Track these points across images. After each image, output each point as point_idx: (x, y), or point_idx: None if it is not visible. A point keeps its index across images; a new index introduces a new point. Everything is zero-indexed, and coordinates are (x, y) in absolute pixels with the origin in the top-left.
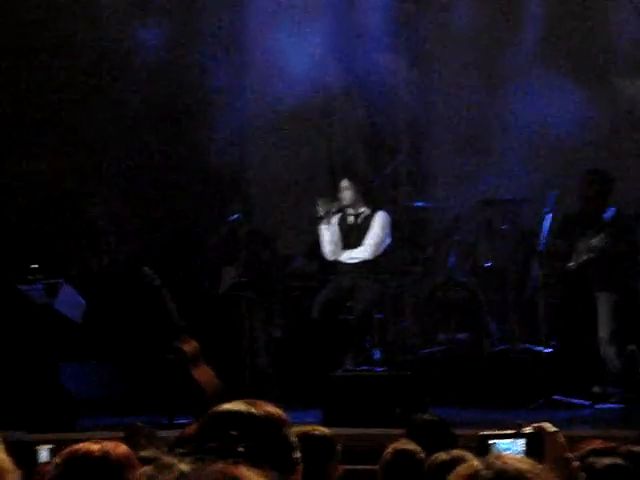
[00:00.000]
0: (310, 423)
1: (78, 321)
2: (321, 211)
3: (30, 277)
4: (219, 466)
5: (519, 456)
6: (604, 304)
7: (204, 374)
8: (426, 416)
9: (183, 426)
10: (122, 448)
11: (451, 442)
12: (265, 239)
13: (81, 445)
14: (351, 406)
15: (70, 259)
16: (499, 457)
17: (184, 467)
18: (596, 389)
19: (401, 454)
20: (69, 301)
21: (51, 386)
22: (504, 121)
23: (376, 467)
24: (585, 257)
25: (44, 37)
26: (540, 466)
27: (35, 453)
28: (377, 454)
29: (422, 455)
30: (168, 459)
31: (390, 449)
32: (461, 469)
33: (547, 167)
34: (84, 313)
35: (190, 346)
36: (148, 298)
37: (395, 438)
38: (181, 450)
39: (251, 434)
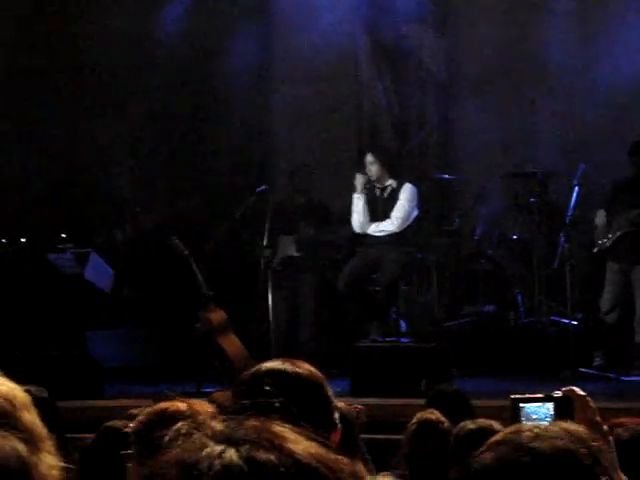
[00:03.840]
0: (337, 394)
1: (107, 290)
2: (358, 186)
3: (60, 246)
4: (252, 422)
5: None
6: None
7: (231, 343)
8: (443, 387)
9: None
10: (208, 407)
11: (468, 412)
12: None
13: (169, 403)
14: (377, 376)
15: (95, 229)
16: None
17: (217, 424)
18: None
19: (426, 424)
20: (98, 270)
21: (79, 354)
22: (533, 93)
23: (401, 437)
24: (622, 231)
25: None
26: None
27: None
28: (402, 424)
29: (447, 425)
30: (201, 417)
31: (415, 419)
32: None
33: (575, 140)
34: (112, 282)
35: (217, 315)
36: (176, 268)
37: (420, 408)
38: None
39: (294, 391)
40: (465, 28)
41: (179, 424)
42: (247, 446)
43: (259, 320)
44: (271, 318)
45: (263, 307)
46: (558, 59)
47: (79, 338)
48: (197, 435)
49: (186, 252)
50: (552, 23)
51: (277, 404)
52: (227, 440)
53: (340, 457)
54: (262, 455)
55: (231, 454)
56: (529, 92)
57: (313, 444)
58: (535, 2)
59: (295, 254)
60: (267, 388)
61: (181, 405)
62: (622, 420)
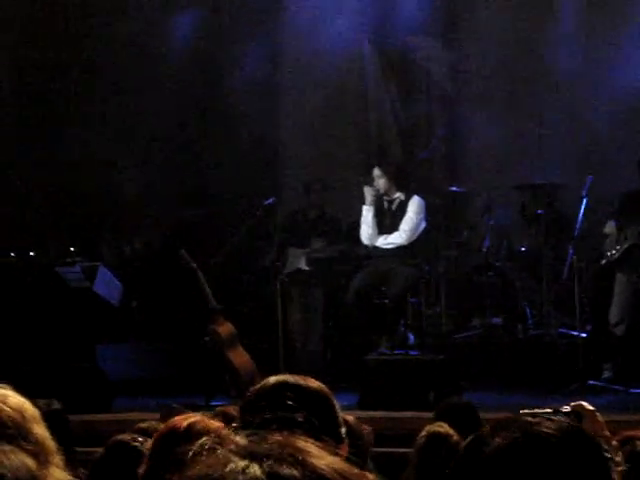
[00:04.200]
0: (345, 407)
1: (116, 303)
2: (368, 197)
3: (69, 260)
4: (276, 437)
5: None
6: None
7: (239, 357)
8: (452, 400)
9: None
10: (215, 424)
11: (477, 426)
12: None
13: (181, 418)
14: (385, 390)
15: (104, 242)
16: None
17: (240, 439)
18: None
19: (435, 437)
20: (107, 284)
21: (88, 367)
22: (541, 104)
23: (410, 450)
24: (631, 242)
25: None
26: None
27: None
28: (411, 437)
29: (456, 438)
30: (224, 432)
31: (424, 432)
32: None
33: (583, 152)
34: (121, 296)
35: (226, 329)
36: (184, 281)
37: (429, 422)
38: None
39: (303, 405)
40: (472, 40)
41: (203, 439)
42: (271, 461)
43: (268, 333)
44: (280, 331)
45: (272, 320)
46: (566, 70)
47: (88, 351)
48: (221, 450)
49: (194, 265)
50: (560, 34)
51: (300, 419)
52: (251, 455)
53: (363, 472)
54: (285, 470)
55: (255, 469)
56: (537, 104)
57: (336, 459)
58: (542, 13)
59: (305, 268)
60: (289, 402)
61: (199, 420)
62: (634, 433)
